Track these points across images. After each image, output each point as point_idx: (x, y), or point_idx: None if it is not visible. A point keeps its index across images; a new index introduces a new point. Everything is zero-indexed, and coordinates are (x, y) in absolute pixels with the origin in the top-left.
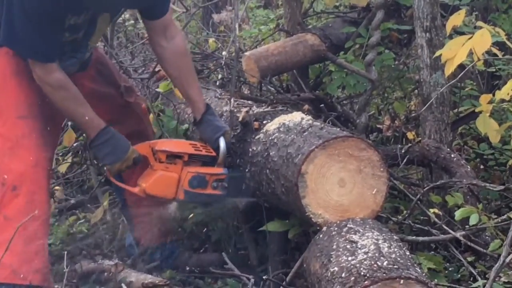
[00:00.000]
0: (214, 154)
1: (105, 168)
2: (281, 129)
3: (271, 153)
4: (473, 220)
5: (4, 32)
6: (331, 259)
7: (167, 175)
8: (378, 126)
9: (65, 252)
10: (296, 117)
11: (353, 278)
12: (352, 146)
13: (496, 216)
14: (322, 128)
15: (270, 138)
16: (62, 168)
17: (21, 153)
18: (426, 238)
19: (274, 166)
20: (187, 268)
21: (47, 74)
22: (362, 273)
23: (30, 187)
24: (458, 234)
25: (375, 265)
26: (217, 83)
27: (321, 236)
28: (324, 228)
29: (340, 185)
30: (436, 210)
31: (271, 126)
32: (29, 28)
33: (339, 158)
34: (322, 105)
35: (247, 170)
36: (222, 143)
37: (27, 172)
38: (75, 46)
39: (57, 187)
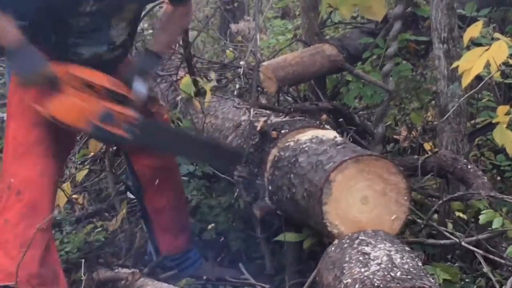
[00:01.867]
0: (129, 95)
1: (17, 77)
2: (313, 140)
3: (299, 159)
4: (496, 223)
5: None
6: (344, 271)
7: (78, 103)
8: (395, 136)
9: (83, 260)
10: (330, 133)
11: None
12: (383, 167)
13: None
14: (356, 146)
15: (301, 146)
16: (79, 176)
17: (30, 160)
18: (439, 242)
19: (301, 171)
20: (204, 277)
21: None
22: (375, 284)
23: (33, 195)
24: (475, 238)
25: (389, 276)
26: (235, 93)
27: (333, 248)
28: (336, 241)
29: (362, 202)
30: (461, 214)
31: (303, 136)
32: None
33: (368, 176)
34: (341, 119)
35: (267, 175)
36: (139, 85)
37: (33, 179)
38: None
39: (75, 195)
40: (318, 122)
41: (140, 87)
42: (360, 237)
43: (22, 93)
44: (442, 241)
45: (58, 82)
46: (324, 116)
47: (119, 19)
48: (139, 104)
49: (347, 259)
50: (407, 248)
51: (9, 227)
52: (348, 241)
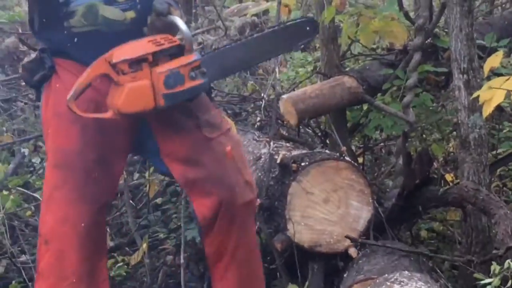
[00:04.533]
0: (178, 42)
1: None
2: None
3: None
4: None
5: None
6: None
7: (138, 85)
8: None
9: None
10: None
11: None
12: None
13: None
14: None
15: None
16: None
17: (52, 206)
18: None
19: None
20: None
21: None
22: None
23: (58, 245)
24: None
25: None
26: (256, 126)
27: None
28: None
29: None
30: None
31: None
32: None
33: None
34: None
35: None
36: (181, 24)
37: (55, 228)
38: None
39: None
40: (338, 154)
41: (179, 26)
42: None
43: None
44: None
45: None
46: (344, 148)
47: None
48: (190, 43)
49: None
50: None
51: (41, 280)
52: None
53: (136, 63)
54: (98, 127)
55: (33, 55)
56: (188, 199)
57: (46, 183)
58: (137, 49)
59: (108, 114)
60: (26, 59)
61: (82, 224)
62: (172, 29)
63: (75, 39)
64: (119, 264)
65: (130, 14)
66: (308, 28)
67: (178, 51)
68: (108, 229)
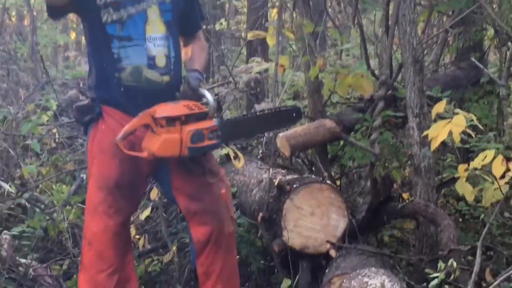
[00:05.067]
0: (205, 110)
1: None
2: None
3: None
4: None
5: None
6: None
7: (171, 137)
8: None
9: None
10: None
11: None
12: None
13: None
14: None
15: None
16: (142, 216)
17: (96, 217)
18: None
19: None
20: None
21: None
22: None
23: (99, 246)
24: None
25: None
26: (258, 157)
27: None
28: None
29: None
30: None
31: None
32: None
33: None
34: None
35: (283, 219)
36: (209, 97)
37: (98, 234)
38: (126, 28)
39: (137, 236)
40: (321, 178)
41: (207, 98)
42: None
43: (98, 154)
44: None
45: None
46: (326, 174)
47: (152, 30)
48: (213, 111)
49: None
50: None
51: (84, 271)
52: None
53: (171, 120)
54: (132, 161)
55: (84, 100)
56: (188, 226)
57: (89, 199)
58: (175, 110)
59: (144, 154)
60: (79, 103)
61: (116, 230)
62: (200, 98)
63: (122, 90)
64: (154, 262)
65: (166, 78)
66: (294, 114)
67: (203, 115)
68: (146, 236)
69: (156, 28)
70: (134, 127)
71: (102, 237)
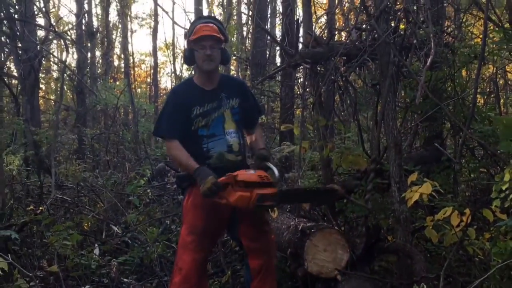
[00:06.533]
0: (271, 181)
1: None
2: None
3: None
4: None
5: (156, 124)
6: None
7: (244, 195)
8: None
9: None
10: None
11: None
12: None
13: None
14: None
15: None
16: None
17: (187, 252)
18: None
19: None
20: None
21: (168, 144)
22: None
23: (187, 272)
24: None
25: None
26: (287, 210)
27: None
28: None
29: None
30: None
31: None
32: (164, 115)
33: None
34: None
35: (305, 254)
36: (275, 170)
37: (187, 262)
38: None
39: None
40: (331, 225)
41: (274, 171)
42: None
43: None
44: None
45: (221, 186)
46: (334, 222)
47: (228, 127)
48: (277, 183)
49: None
50: None
51: (174, 286)
52: None
53: (247, 183)
54: (214, 212)
55: (182, 172)
56: (245, 258)
57: (183, 237)
58: (252, 177)
59: (223, 201)
60: (178, 173)
61: (200, 262)
62: (267, 169)
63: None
64: (215, 282)
65: (239, 158)
66: (333, 195)
67: (270, 184)
68: (209, 263)
69: (230, 125)
70: (222, 182)
71: (190, 265)
